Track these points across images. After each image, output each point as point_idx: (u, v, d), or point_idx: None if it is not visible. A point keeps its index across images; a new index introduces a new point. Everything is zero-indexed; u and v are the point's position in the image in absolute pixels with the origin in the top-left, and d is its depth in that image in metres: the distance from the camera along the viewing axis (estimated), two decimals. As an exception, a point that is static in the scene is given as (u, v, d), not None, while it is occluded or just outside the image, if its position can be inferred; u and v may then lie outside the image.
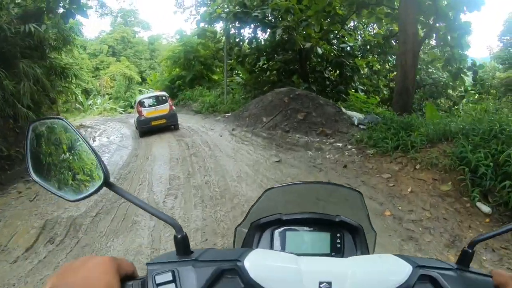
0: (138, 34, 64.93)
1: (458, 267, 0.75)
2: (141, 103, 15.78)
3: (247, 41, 20.34)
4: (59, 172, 0.93)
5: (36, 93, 12.12)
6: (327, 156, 9.10)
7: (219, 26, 23.34)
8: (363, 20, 19.21)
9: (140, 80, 46.57)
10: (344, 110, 12.48)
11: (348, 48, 18.99)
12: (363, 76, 20.43)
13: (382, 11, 15.06)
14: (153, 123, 15.20)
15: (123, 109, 36.16)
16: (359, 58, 19.32)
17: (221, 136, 12.93)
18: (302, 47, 17.34)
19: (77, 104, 42.30)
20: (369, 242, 1.24)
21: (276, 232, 1.22)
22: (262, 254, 0.80)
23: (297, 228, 1.22)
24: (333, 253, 1.19)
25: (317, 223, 1.22)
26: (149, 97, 16.66)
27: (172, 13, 44.64)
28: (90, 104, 44.46)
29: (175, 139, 13.38)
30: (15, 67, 11.38)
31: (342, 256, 1.16)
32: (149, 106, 15.67)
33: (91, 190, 0.86)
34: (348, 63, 18.95)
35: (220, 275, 0.73)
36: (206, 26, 22.14)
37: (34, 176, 0.88)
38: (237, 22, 18.94)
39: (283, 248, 1.18)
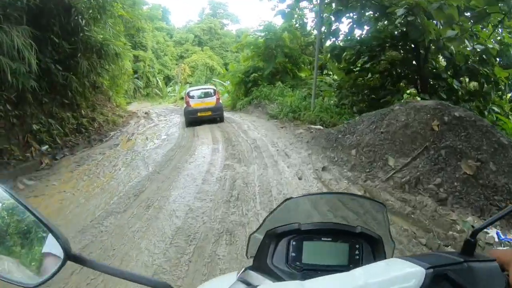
0: (226, 27, 64.69)
1: (465, 258, 0.73)
2: (189, 95, 16.39)
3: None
4: (7, 253, 0.78)
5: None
6: None
7: (310, 17, 19.79)
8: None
9: (223, 72, 41.91)
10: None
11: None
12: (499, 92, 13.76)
13: None
14: (199, 114, 15.63)
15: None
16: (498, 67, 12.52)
17: (300, 179, 7.22)
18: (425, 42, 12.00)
19: (156, 90, 42.38)
20: (387, 253, 1.18)
21: (293, 242, 1.15)
22: None
23: (315, 238, 1.16)
24: (351, 265, 1.11)
25: (335, 233, 1.17)
26: (198, 89, 17.38)
27: (259, 3, 38.82)
28: (169, 91, 42.70)
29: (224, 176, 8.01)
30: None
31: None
32: (197, 97, 16.19)
33: (53, 269, 0.73)
34: (484, 72, 12.32)
35: None
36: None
37: None
38: (333, 4, 14.72)
39: (299, 259, 1.13)
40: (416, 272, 0.68)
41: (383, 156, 6.78)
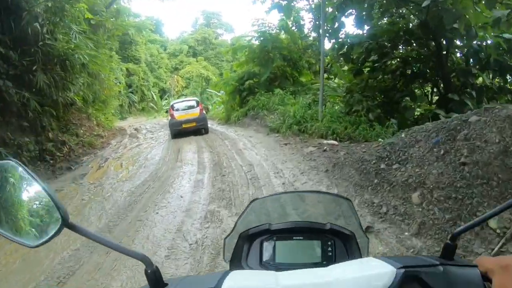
0: (221, 36, 63.00)
1: (442, 262, 0.72)
2: (173, 108, 16.24)
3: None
4: (14, 217, 0.85)
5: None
6: None
7: (307, 18, 16.88)
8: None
9: (217, 80, 39.24)
10: None
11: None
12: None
13: None
14: (184, 125, 15.35)
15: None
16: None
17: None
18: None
19: (151, 104, 40.36)
20: (361, 248, 1.18)
21: (266, 242, 1.16)
22: (240, 277, 0.76)
23: (286, 238, 1.16)
24: (324, 262, 1.11)
25: (307, 231, 1.17)
26: (181, 102, 17.59)
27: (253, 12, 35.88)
28: (164, 104, 40.60)
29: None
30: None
31: (333, 264, 0.88)
32: (181, 110, 16.02)
33: (51, 233, 0.76)
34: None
35: None
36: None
37: None
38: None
39: (273, 259, 1.13)
40: (387, 270, 0.67)
41: (474, 209, 3.84)
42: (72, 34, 12.31)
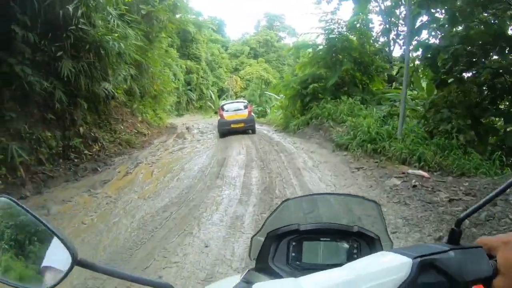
0: (283, 40, 60.69)
1: (451, 247, 0.71)
2: (223, 108, 16.37)
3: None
4: (15, 262, 0.75)
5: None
6: None
7: (376, 22, 15.50)
8: None
9: (277, 82, 37.64)
10: None
11: None
12: None
13: None
14: (233, 125, 15.29)
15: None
16: None
17: None
18: None
19: (209, 103, 40.79)
20: None
21: (293, 242, 1.15)
22: None
23: (314, 239, 1.16)
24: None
25: (334, 233, 1.17)
26: (231, 103, 17.92)
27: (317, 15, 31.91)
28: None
29: None
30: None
31: None
32: (231, 111, 16.00)
33: (61, 274, 0.70)
34: None
35: None
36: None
37: None
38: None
39: (299, 259, 1.13)
40: (404, 263, 0.66)
41: None
42: (110, 19, 10.45)
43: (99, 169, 9.48)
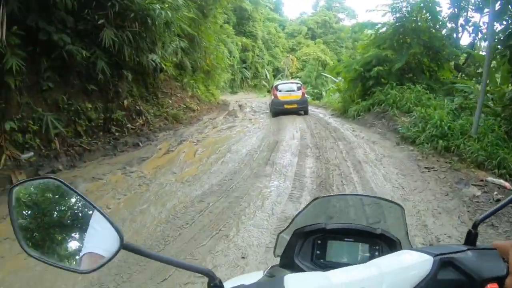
0: (342, 22, 59.10)
1: (468, 248, 0.74)
2: (277, 88, 15.92)
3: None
4: (63, 242, 0.77)
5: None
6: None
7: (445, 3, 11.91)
8: None
9: (335, 63, 36.41)
10: None
11: None
12: None
13: None
14: (286, 106, 15.11)
15: (307, 96, 27.77)
16: None
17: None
18: None
19: (264, 82, 40.60)
20: None
21: (318, 240, 1.16)
22: (295, 281, 0.74)
23: (338, 238, 1.16)
24: None
25: (358, 234, 1.16)
26: (285, 83, 17.28)
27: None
28: None
29: None
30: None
31: None
32: (284, 91, 15.72)
33: (107, 257, 0.70)
34: None
35: None
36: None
37: (29, 250, 0.72)
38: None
39: (323, 257, 1.13)
40: (425, 260, 0.70)
41: None
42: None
43: (140, 144, 8.98)
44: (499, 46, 8.64)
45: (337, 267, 0.78)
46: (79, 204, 0.76)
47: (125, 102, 9.64)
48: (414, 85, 11.79)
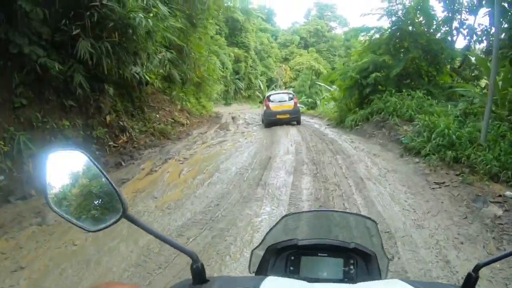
0: (334, 30, 59.42)
1: None
2: (269, 99, 15.79)
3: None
4: (78, 203, 0.90)
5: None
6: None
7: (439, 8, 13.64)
8: None
9: (329, 71, 36.08)
10: None
11: None
12: None
13: None
14: (278, 116, 14.98)
15: (301, 106, 26.65)
16: None
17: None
18: None
19: (257, 92, 39.70)
20: (381, 269, 1.16)
21: (292, 257, 1.16)
22: (275, 283, 0.80)
23: (311, 254, 1.16)
24: (345, 279, 1.13)
25: (332, 249, 1.17)
26: (277, 93, 17.16)
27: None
28: None
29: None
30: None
31: (354, 282, 0.97)
32: (276, 101, 15.58)
33: (110, 221, 0.84)
34: None
35: None
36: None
37: (53, 206, 0.85)
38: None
39: (297, 273, 1.14)
40: None
41: None
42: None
43: (123, 163, 8.22)
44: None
45: (312, 282, 0.80)
46: (97, 174, 0.85)
47: (108, 118, 8.97)
48: (414, 91, 11.12)
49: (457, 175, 6.15)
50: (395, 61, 12.16)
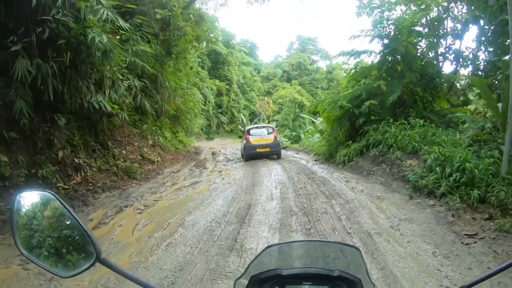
0: (316, 63, 59.95)
1: None
2: (249, 132, 15.75)
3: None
4: (50, 247, 0.88)
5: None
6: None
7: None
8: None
9: (314, 102, 35.90)
10: None
11: None
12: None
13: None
14: (258, 150, 14.82)
15: (285, 140, 26.31)
16: None
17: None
18: None
19: (240, 127, 37.94)
20: None
21: (276, 286, 1.13)
22: None
23: (296, 283, 1.14)
24: None
25: (316, 278, 1.14)
26: (257, 127, 17.17)
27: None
28: None
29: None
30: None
31: None
32: (256, 135, 15.48)
33: (84, 266, 0.83)
34: None
35: None
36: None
37: (23, 251, 0.85)
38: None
39: None
40: None
41: None
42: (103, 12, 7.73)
43: (86, 205, 7.00)
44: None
45: None
46: (68, 216, 0.85)
47: (60, 153, 7.43)
48: (414, 119, 9.92)
49: (486, 219, 4.79)
50: (390, 87, 10.84)
